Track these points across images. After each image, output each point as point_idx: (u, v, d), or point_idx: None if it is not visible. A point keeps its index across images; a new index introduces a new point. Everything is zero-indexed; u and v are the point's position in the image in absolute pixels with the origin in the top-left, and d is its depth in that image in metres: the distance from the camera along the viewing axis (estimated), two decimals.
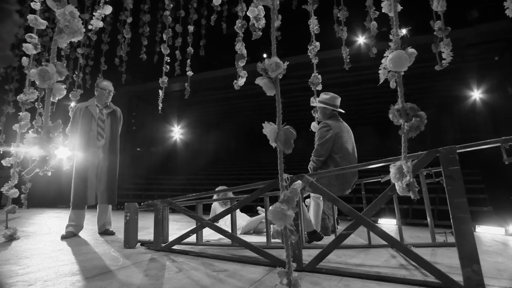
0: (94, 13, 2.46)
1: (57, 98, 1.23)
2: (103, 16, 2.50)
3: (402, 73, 1.21)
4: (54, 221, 4.21)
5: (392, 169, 1.15)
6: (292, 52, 6.96)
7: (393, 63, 1.17)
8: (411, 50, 1.19)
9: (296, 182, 1.02)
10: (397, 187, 1.16)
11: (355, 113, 12.58)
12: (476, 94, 9.19)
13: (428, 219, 2.43)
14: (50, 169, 1.20)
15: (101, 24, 2.49)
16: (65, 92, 1.22)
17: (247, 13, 2.16)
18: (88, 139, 2.84)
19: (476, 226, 3.15)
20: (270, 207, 1.00)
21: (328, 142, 2.54)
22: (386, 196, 1.49)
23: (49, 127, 1.18)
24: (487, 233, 2.91)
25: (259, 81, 1.11)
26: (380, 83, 1.28)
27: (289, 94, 9.77)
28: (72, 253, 2.04)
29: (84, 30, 1.31)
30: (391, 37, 1.24)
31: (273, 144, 1.06)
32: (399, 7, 1.33)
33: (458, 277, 1.30)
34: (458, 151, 1.42)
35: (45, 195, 7.84)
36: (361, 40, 7.21)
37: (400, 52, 1.17)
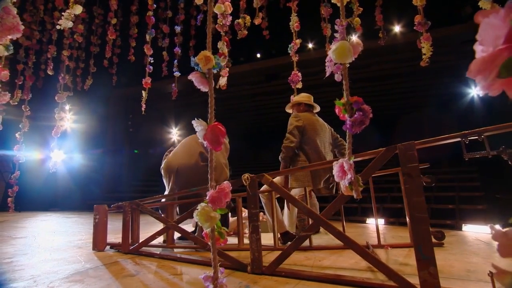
0: (63, 13, 2.42)
1: None
2: (73, 15, 2.46)
3: (348, 65, 1.14)
4: (39, 224, 4.18)
5: (335, 167, 1.08)
6: (282, 52, 6.90)
7: (336, 54, 1.11)
8: (356, 40, 1.13)
9: (224, 182, 0.96)
10: (341, 186, 1.09)
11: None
12: (474, 91, 9.05)
13: (407, 219, 2.35)
14: None
15: (70, 24, 2.45)
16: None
17: (214, 10, 2.11)
18: None
19: (463, 225, 3.05)
20: (198, 208, 0.94)
21: (296, 129, 2.47)
22: (344, 197, 1.43)
23: None
24: (474, 232, 2.82)
25: (191, 76, 1.06)
26: (326, 76, 1.22)
27: (281, 94, 9.69)
28: (35, 258, 1.99)
29: (23, 27, 1.27)
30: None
31: (204, 142, 1.01)
32: None
33: None
34: (417, 147, 1.35)
35: (40, 198, 7.85)
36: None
37: (344, 43, 1.11)
